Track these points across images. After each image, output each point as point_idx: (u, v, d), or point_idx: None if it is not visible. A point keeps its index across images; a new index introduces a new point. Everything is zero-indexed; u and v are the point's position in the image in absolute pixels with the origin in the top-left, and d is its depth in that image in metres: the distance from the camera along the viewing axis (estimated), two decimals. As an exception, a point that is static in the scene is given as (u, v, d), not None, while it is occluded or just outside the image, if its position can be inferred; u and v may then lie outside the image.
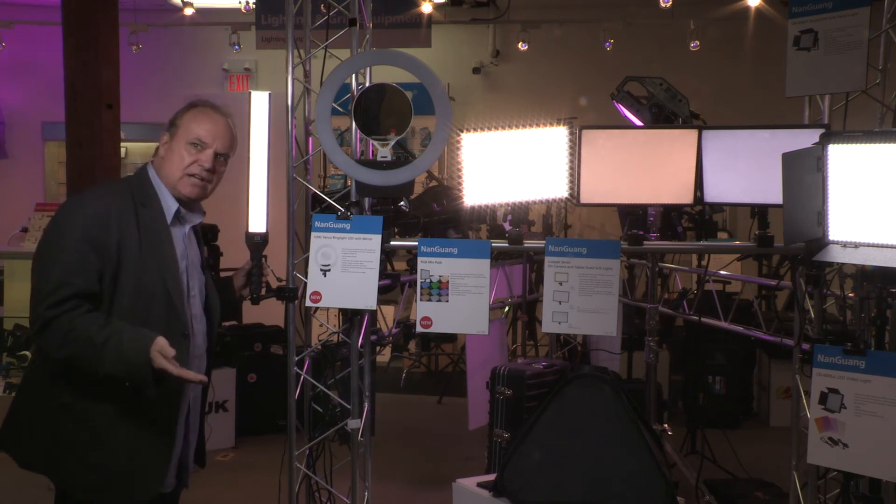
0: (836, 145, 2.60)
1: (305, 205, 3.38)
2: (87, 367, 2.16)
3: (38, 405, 2.29)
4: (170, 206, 2.36)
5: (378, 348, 4.17)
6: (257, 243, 2.88)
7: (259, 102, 2.95)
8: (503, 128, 3.08)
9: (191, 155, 2.35)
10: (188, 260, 2.40)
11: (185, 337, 2.30)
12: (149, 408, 2.26)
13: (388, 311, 5.29)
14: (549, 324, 3.00)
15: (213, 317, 2.50)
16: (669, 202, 3.25)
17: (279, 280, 3.17)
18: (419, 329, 3.00)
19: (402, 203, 3.61)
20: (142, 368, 2.12)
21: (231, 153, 2.46)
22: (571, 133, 3.14)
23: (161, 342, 2.13)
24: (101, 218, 2.21)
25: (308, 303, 2.99)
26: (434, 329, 3.00)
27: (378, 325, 4.44)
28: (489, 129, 3.06)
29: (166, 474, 2.34)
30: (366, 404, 3.38)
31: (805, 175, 2.63)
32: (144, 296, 2.25)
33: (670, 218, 3.87)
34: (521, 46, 7.89)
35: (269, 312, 5.09)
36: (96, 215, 2.21)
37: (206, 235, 5.55)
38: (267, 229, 2.94)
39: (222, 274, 5.28)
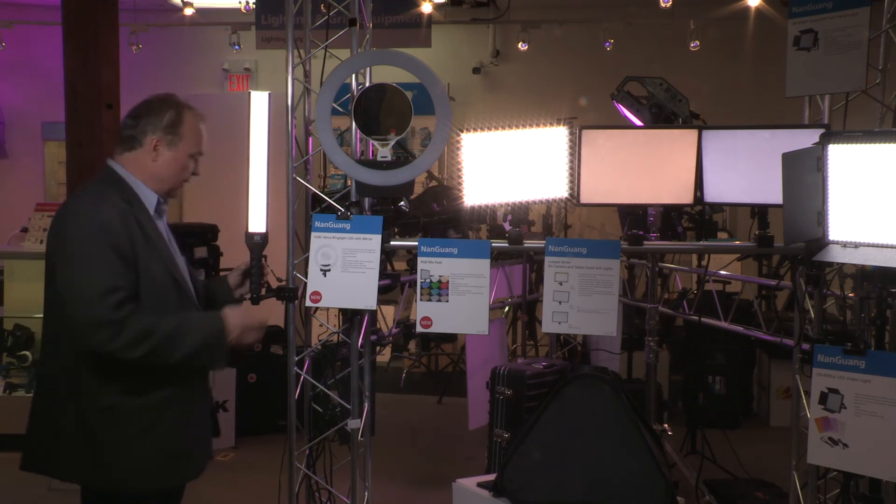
0: (836, 145, 2.60)
1: (305, 205, 3.38)
2: (161, 359, 2.25)
3: (71, 416, 2.30)
4: (150, 199, 2.40)
5: (378, 348, 4.17)
6: (257, 243, 2.87)
7: (259, 103, 2.95)
8: (503, 128, 3.08)
9: (191, 165, 2.49)
10: (173, 246, 2.49)
11: None
12: (189, 389, 2.41)
13: (388, 311, 5.28)
14: (549, 324, 3.00)
15: (199, 294, 2.60)
16: (669, 202, 3.25)
17: (279, 280, 3.17)
18: (419, 329, 3.00)
19: (402, 203, 3.61)
20: (219, 341, 2.32)
21: None
22: (571, 133, 3.13)
23: (233, 314, 2.35)
24: (116, 220, 2.26)
25: (308, 303, 2.99)
26: (434, 329, 3.00)
27: (378, 325, 4.44)
28: (489, 129, 3.07)
29: (210, 448, 2.55)
30: (366, 404, 3.38)
31: (805, 175, 2.63)
32: (159, 286, 2.33)
33: (670, 218, 3.87)
34: (521, 46, 7.89)
35: (269, 312, 5.08)
36: (111, 219, 2.25)
37: (206, 235, 5.54)
38: (267, 229, 2.93)
39: (222, 274, 5.28)
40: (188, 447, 2.42)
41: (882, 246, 2.55)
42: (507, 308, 5.91)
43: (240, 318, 2.35)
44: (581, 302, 2.97)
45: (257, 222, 2.93)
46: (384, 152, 2.98)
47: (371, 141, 3.02)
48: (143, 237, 2.30)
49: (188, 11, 7.65)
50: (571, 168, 3.13)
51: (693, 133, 3.16)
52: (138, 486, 2.34)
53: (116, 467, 2.31)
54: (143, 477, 2.33)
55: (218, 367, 2.38)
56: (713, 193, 3.17)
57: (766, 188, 2.98)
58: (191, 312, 2.38)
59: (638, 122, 4.01)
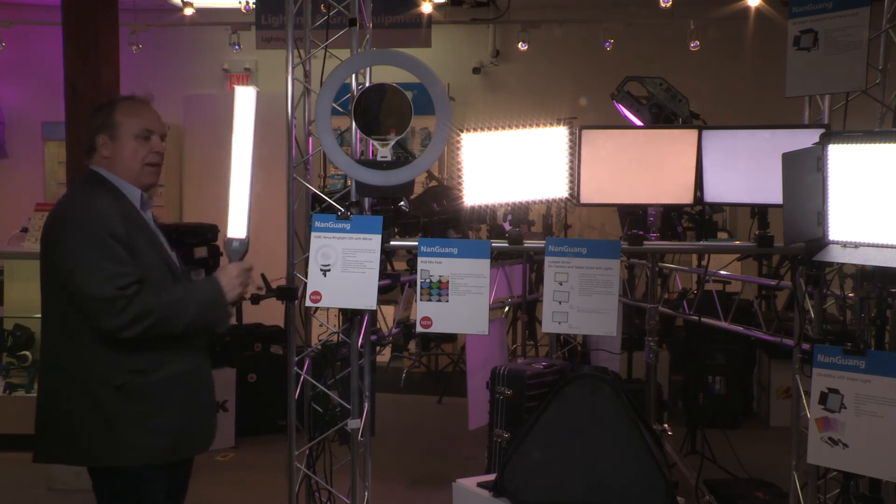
0: (836, 145, 2.60)
1: (305, 205, 3.38)
2: (167, 330, 2.37)
3: (86, 397, 2.38)
4: (133, 193, 2.49)
5: (378, 348, 4.17)
6: (235, 250, 2.60)
7: (244, 99, 2.71)
8: (503, 128, 3.08)
9: (143, 147, 2.48)
10: (162, 238, 2.57)
11: None
12: (194, 365, 2.50)
13: (388, 311, 5.29)
14: (549, 324, 3.00)
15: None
16: (669, 202, 3.25)
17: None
18: (419, 329, 3.00)
19: (402, 203, 3.61)
20: (219, 298, 2.45)
21: None
22: (571, 133, 3.13)
23: (222, 272, 2.50)
24: (111, 211, 2.37)
25: (308, 303, 2.99)
26: (434, 329, 3.00)
27: (378, 325, 4.44)
28: (489, 129, 3.06)
29: (215, 424, 2.62)
30: (366, 404, 3.38)
31: (805, 175, 2.63)
32: (154, 270, 2.43)
33: (670, 218, 3.86)
34: (521, 46, 7.89)
35: (269, 312, 5.08)
36: (107, 210, 2.37)
37: (206, 235, 5.54)
38: (248, 235, 2.63)
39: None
40: (198, 420, 2.53)
41: (882, 246, 2.55)
42: (507, 308, 5.91)
43: (230, 273, 2.49)
44: (581, 302, 2.97)
45: (237, 226, 2.64)
46: (384, 152, 2.98)
47: (371, 141, 3.02)
48: (136, 227, 2.42)
49: (188, 11, 7.65)
50: (571, 168, 3.13)
51: (693, 133, 3.16)
52: (154, 460, 2.43)
53: (133, 444, 2.40)
54: (159, 451, 2.43)
55: (223, 325, 2.50)
56: (713, 193, 3.17)
57: (766, 188, 2.98)
58: (186, 284, 2.53)
59: (638, 122, 4.01)
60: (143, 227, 2.47)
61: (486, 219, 4.20)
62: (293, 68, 3.24)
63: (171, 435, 2.44)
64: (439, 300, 2.99)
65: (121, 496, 2.45)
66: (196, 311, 2.42)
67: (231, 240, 2.61)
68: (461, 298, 2.98)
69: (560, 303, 2.97)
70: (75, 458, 2.44)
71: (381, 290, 3.06)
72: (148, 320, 2.32)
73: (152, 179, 2.53)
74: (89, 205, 2.39)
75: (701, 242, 4.12)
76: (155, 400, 2.41)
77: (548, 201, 3.26)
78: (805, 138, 2.77)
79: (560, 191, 3.17)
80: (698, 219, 4.15)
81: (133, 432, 2.39)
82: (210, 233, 5.61)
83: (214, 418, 2.65)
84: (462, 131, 3.02)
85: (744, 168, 3.10)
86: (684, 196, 3.20)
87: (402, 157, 3.35)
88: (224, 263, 2.61)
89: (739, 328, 4.51)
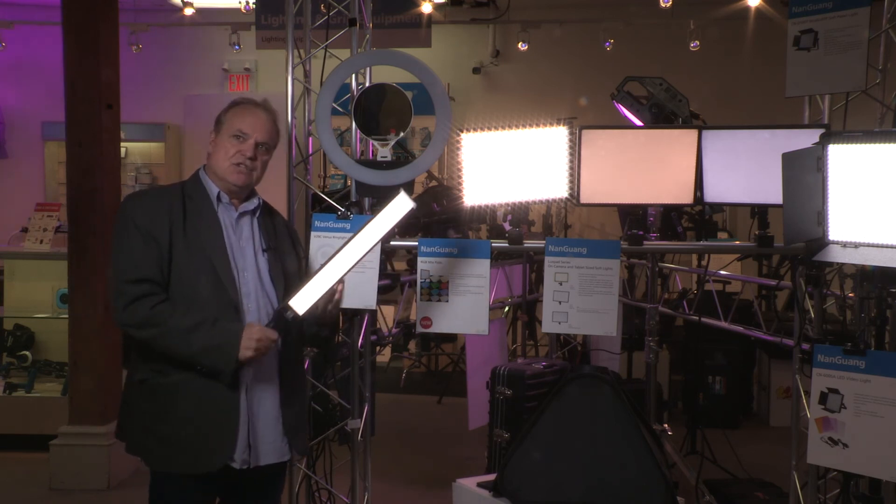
0: (836, 145, 2.60)
1: (305, 205, 3.39)
2: (164, 349, 2.36)
3: (126, 386, 2.52)
4: (212, 191, 2.54)
5: (378, 348, 4.17)
6: (282, 318, 2.45)
7: (399, 206, 2.55)
8: (503, 128, 3.08)
9: (234, 146, 2.52)
10: (234, 241, 2.52)
11: (235, 310, 2.45)
12: (209, 383, 2.39)
13: (388, 311, 5.28)
14: (549, 324, 3.00)
15: (277, 296, 2.54)
16: (669, 202, 3.25)
17: None
18: (419, 329, 3.00)
19: (402, 203, 3.61)
20: (226, 351, 2.34)
21: (272, 143, 2.59)
22: (571, 133, 3.13)
23: (250, 331, 2.36)
24: (151, 208, 2.44)
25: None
26: (434, 329, 3.00)
27: (378, 325, 4.44)
28: (489, 129, 3.06)
29: (231, 447, 2.41)
30: (366, 404, 3.38)
31: (805, 175, 2.63)
32: (187, 277, 2.42)
33: (670, 218, 3.86)
34: (521, 46, 7.90)
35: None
36: (146, 206, 2.45)
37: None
38: (301, 317, 2.44)
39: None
40: (201, 436, 2.38)
41: (882, 246, 2.55)
42: (507, 308, 5.91)
43: (253, 334, 2.36)
44: (581, 302, 2.97)
45: (302, 302, 2.41)
46: (384, 152, 2.98)
47: (371, 141, 3.02)
48: (188, 225, 2.43)
49: (188, 11, 7.66)
50: (571, 168, 3.13)
51: (693, 133, 3.16)
52: (157, 466, 2.45)
53: (142, 443, 2.44)
54: (160, 458, 2.42)
55: (222, 376, 2.36)
56: (713, 193, 3.17)
57: (766, 188, 2.98)
58: (213, 319, 2.37)
59: (638, 122, 4.00)
60: (206, 225, 2.45)
61: (486, 219, 4.20)
62: (293, 68, 3.25)
63: (168, 443, 2.38)
64: (439, 300, 2.99)
65: (150, 495, 2.49)
66: (199, 352, 2.34)
67: (288, 308, 2.39)
68: (461, 298, 2.98)
69: (560, 303, 2.98)
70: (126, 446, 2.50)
71: (381, 290, 3.06)
72: (149, 332, 2.34)
73: (236, 179, 2.50)
74: (130, 200, 2.48)
75: (701, 242, 4.12)
76: (161, 403, 2.39)
77: (548, 201, 3.26)
78: (805, 138, 2.77)
79: (560, 191, 3.16)
80: (698, 219, 4.15)
81: (145, 434, 2.42)
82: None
83: (228, 440, 2.40)
84: (462, 131, 3.02)
85: (744, 168, 3.10)
86: (684, 196, 3.20)
87: (402, 157, 3.35)
88: (251, 322, 2.42)
89: (739, 328, 4.51)
